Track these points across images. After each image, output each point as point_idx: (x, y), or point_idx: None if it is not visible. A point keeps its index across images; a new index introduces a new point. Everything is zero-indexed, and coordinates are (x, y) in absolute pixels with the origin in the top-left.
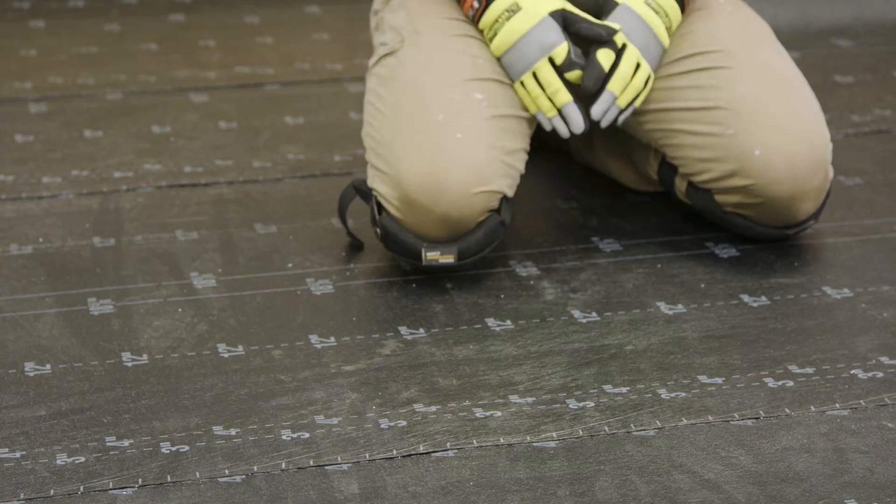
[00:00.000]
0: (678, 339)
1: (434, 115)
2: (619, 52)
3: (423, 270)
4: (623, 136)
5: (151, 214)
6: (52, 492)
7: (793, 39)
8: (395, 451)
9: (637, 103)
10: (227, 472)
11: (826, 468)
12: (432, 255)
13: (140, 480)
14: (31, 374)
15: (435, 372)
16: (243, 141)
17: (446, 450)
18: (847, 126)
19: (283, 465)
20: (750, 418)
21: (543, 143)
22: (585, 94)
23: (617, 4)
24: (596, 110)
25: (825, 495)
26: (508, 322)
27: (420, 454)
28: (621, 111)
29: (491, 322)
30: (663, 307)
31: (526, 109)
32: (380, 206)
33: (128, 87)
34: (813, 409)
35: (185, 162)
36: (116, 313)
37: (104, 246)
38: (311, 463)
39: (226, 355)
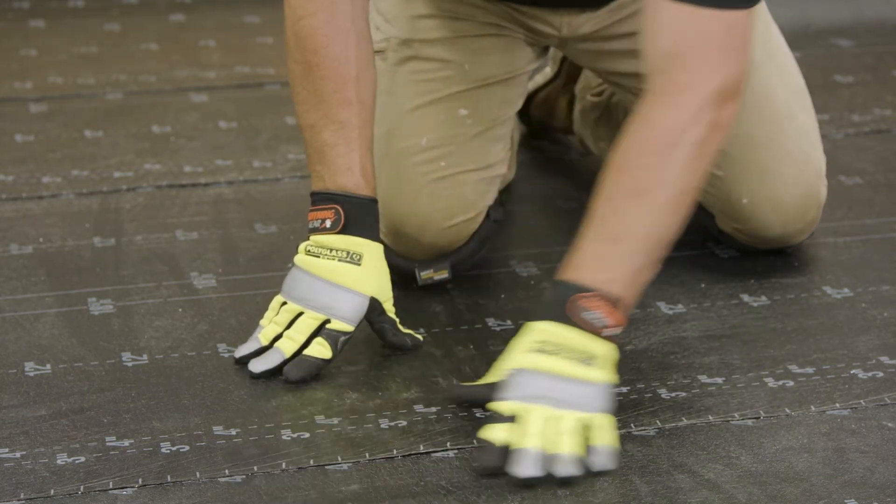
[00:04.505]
0: (678, 338)
1: (418, 140)
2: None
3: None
4: (618, 124)
5: (151, 214)
6: (52, 492)
7: (793, 39)
8: (395, 451)
9: (576, 448)
10: (227, 471)
11: (826, 468)
12: (426, 275)
13: (140, 480)
14: (32, 374)
15: (435, 372)
16: (243, 141)
17: (446, 449)
18: (847, 126)
19: (283, 465)
20: (750, 418)
21: (546, 128)
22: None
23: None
24: (521, 473)
25: (825, 495)
26: (509, 322)
27: (420, 454)
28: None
29: (491, 322)
30: (663, 307)
31: (512, 105)
32: None
33: (128, 87)
34: (813, 408)
35: (186, 162)
36: (117, 313)
37: (104, 246)
38: (311, 463)
39: (226, 355)
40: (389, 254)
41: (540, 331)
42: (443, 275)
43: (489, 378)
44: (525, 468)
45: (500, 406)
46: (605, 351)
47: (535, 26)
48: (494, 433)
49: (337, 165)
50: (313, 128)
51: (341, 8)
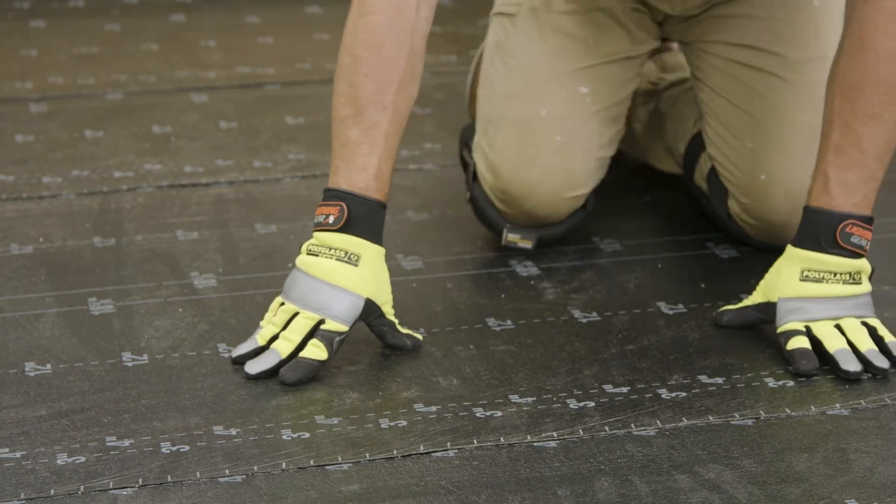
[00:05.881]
0: (678, 339)
1: (539, 110)
2: (810, 332)
3: (426, 270)
4: (661, 113)
5: (152, 214)
6: (52, 492)
7: None
8: (395, 451)
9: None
10: (227, 472)
11: (826, 468)
12: (513, 238)
13: (140, 480)
14: (32, 374)
15: (435, 372)
16: (244, 141)
17: (446, 450)
18: None
19: (284, 465)
20: (750, 418)
21: None
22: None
23: (775, 303)
24: (851, 369)
25: (825, 495)
26: (509, 322)
27: (420, 454)
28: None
29: (491, 322)
30: (663, 307)
31: (628, 86)
32: (475, 173)
33: (128, 87)
34: (813, 409)
35: (186, 162)
36: (117, 313)
37: (105, 246)
38: (312, 463)
39: (226, 355)
40: (487, 205)
41: (805, 259)
42: (527, 244)
43: (755, 299)
44: (852, 364)
45: (789, 326)
46: (866, 266)
47: (650, 2)
48: (802, 342)
49: (354, 163)
50: (344, 122)
51: (406, 17)
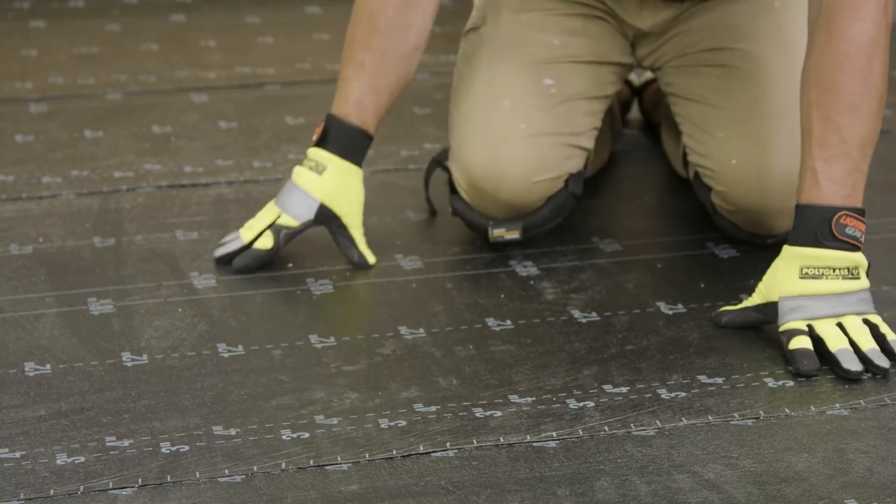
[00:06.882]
0: (678, 339)
1: (500, 102)
2: (812, 331)
3: (426, 270)
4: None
5: (152, 214)
6: (52, 492)
7: None
8: (395, 451)
9: (889, 334)
10: (227, 472)
11: (826, 468)
12: (498, 233)
13: (140, 480)
14: (32, 374)
15: (435, 372)
16: (244, 141)
17: (446, 450)
18: None
19: (283, 466)
20: (750, 418)
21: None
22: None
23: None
24: (852, 368)
25: (825, 495)
26: (508, 322)
27: (420, 454)
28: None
29: (491, 322)
30: (663, 307)
31: (602, 86)
32: (453, 185)
33: (128, 87)
34: (813, 409)
35: (186, 162)
36: (117, 313)
37: (104, 246)
38: (311, 463)
39: (226, 355)
40: (467, 210)
41: (802, 256)
42: (514, 234)
43: (754, 300)
44: (853, 364)
45: (791, 325)
46: (863, 260)
47: (620, 15)
48: (804, 342)
49: (341, 95)
50: (343, 63)
51: None
